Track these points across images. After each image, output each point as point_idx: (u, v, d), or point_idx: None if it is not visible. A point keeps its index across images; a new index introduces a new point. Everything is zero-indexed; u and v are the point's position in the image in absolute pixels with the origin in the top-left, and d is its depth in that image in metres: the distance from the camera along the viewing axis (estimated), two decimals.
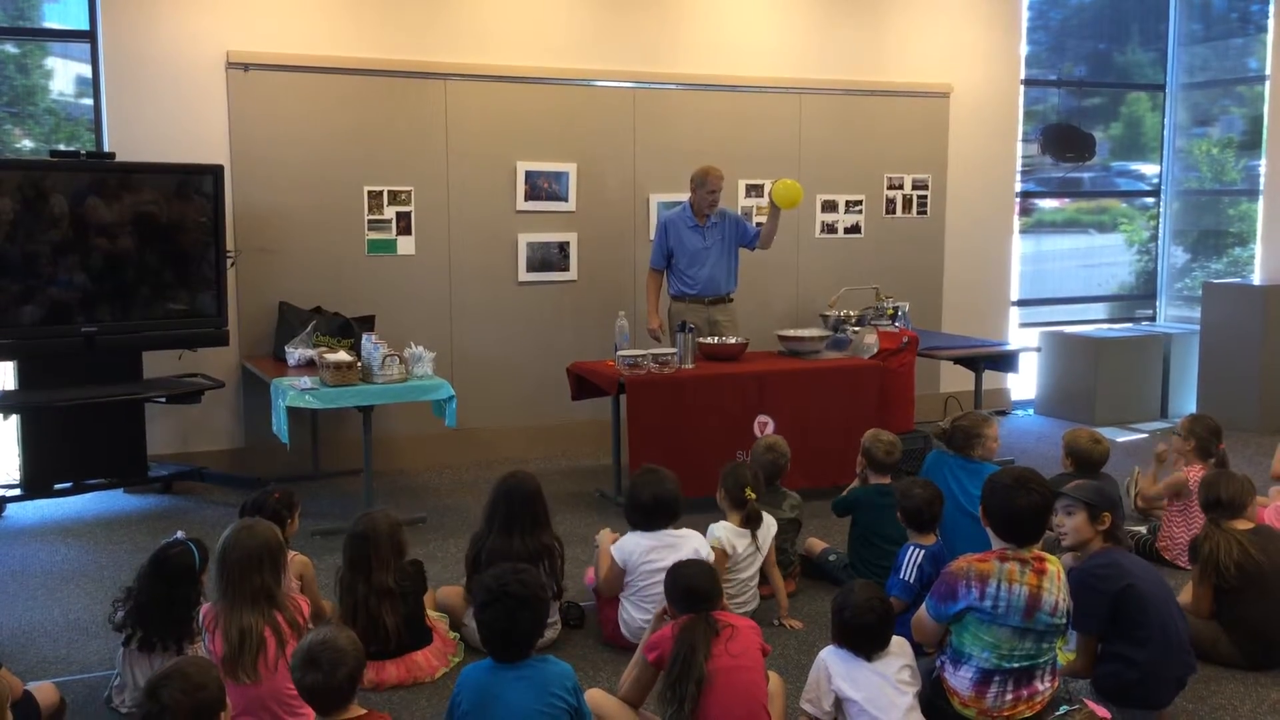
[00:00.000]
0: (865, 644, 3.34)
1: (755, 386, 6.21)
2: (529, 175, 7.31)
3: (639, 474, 4.45)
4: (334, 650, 2.88)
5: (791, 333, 6.80)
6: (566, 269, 7.50)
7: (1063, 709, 2.74)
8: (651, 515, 4.27)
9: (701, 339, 6.53)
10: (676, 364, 6.17)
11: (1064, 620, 3.38)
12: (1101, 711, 2.70)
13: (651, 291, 7.01)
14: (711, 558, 4.21)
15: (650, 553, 4.21)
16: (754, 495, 4.44)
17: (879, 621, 3.34)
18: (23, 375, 6.06)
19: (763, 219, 7.25)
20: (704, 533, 4.45)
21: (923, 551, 4.21)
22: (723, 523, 4.52)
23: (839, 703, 3.32)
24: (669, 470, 4.41)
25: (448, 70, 7.07)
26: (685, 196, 7.00)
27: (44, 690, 3.63)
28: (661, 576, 4.10)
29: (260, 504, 4.19)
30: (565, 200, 7.44)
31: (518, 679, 3.06)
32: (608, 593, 4.35)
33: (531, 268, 7.41)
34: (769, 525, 4.56)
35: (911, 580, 4.16)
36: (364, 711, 2.98)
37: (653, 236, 7.17)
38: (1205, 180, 9.78)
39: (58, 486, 6.18)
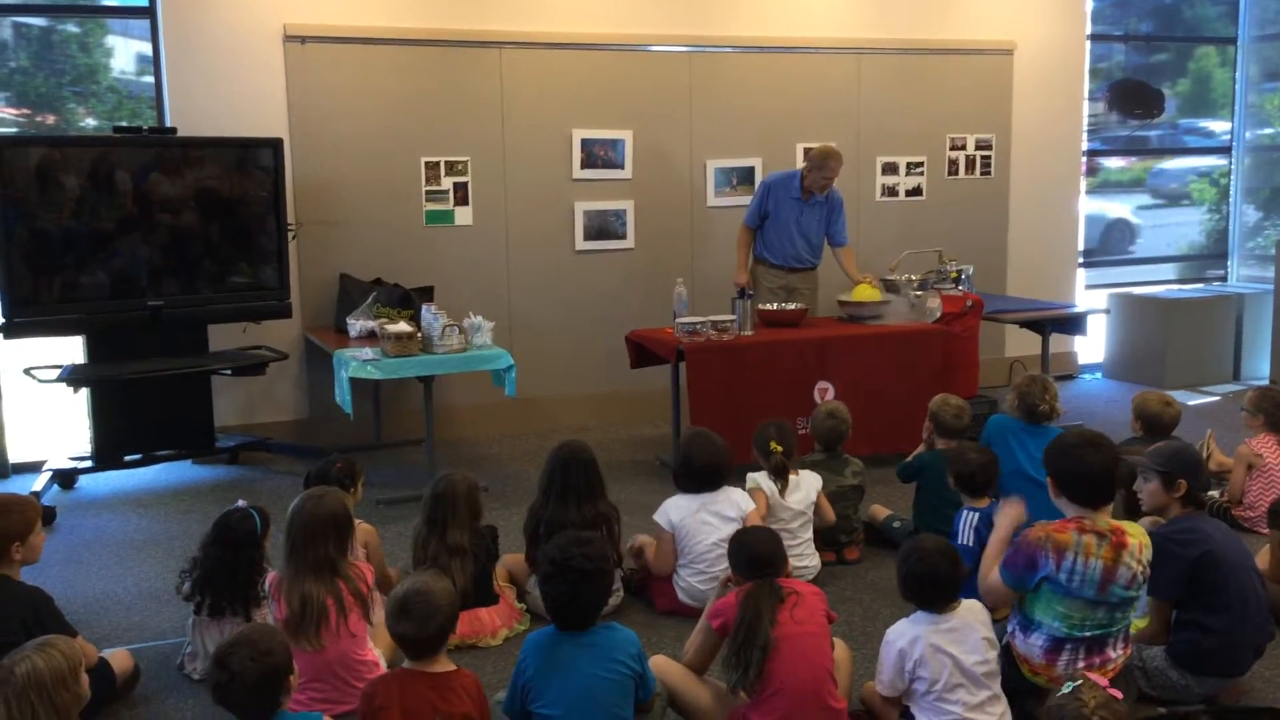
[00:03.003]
0: (935, 593, 3.26)
1: (815, 352, 6.15)
2: (585, 143, 7.27)
3: (689, 437, 4.53)
4: (428, 602, 2.97)
5: (851, 297, 6.71)
6: (624, 237, 7.46)
7: (1068, 686, 2.68)
8: (703, 480, 4.33)
9: (763, 305, 6.49)
10: (735, 330, 6.12)
11: (1138, 592, 3.30)
12: (1113, 691, 2.62)
13: (742, 247, 6.91)
14: (752, 509, 4.29)
15: (698, 513, 4.27)
16: (779, 448, 4.52)
17: (951, 567, 3.25)
18: (92, 349, 6.16)
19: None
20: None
21: (977, 514, 4.23)
22: (760, 473, 4.59)
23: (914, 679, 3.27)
24: (717, 434, 4.48)
25: (502, 39, 7.04)
26: (742, 161, 6.92)
27: (118, 657, 3.72)
28: (711, 536, 4.20)
29: (324, 474, 4.24)
30: (621, 168, 7.39)
31: (582, 647, 3.06)
32: (662, 569, 4.35)
33: (589, 236, 7.38)
34: (806, 482, 4.59)
35: (970, 544, 4.14)
36: (454, 668, 3.04)
37: (740, 199, 7.07)
38: (1278, 136, 9.49)
39: (128, 458, 6.29)
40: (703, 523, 4.25)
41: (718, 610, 3.30)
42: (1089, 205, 9.07)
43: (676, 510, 4.31)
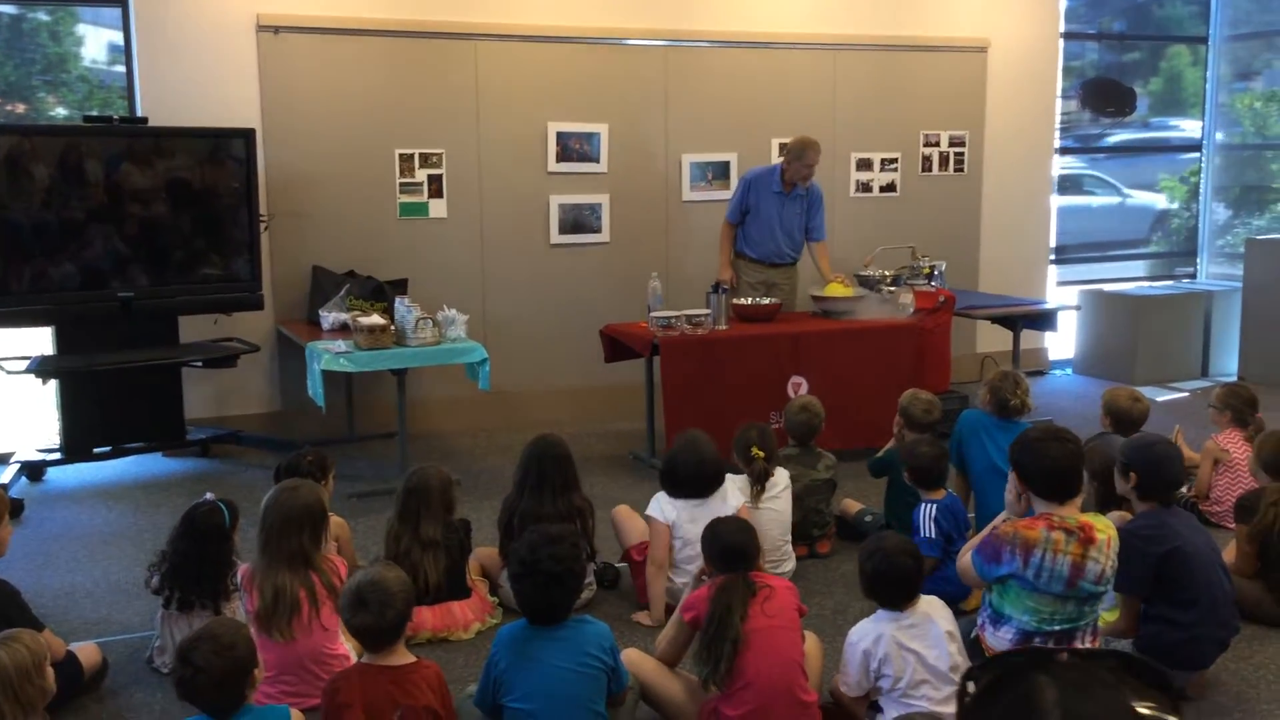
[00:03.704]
0: (898, 591, 3.30)
1: (789, 347, 6.17)
2: (560, 136, 7.26)
3: (679, 443, 4.37)
4: (383, 591, 2.95)
5: (825, 293, 6.73)
6: (599, 230, 7.46)
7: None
8: (690, 487, 4.24)
9: (738, 300, 6.50)
10: (710, 325, 6.13)
11: (1107, 587, 3.33)
12: None
13: (725, 244, 6.94)
14: (742, 505, 4.26)
15: (683, 518, 4.19)
16: (761, 454, 4.47)
17: (914, 565, 3.31)
18: (61, 340, 6.11)
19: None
20: None
21: (934, 506, 4.33)
22: (742, 477, 4.55)
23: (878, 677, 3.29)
24: (706, 436, 4.35)
25: (478, 31, 7.01)
26: (718, 155, 6.91)
27: (86, 651, 3.69)
28: (697, 544, 4.12)
29: (294, 466, 4.22)
30: (597, 161, 7.38)
31: (554, 640, 3.06)
32: (657, 559, 4.20)
33: (564, 230, 7.37)
34: (777, 482, 4.55)
35: (933, 535, 4.26)
36: (414, 660, 3.03)
37: (731, 194, 7.10)
38: (1248, 135, 9.59)
39: (97, 450, 6.24)
40: (688, 527, 4.15)
41: (690, 603, 3.31)
42: (1145, 197, 9.13)
43: (670, 506, 4.22)
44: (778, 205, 6.75)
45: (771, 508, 4.50)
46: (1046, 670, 1.32)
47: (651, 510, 4.27)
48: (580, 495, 4.35)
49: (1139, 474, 3.68)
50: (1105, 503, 4.11)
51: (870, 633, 3.28)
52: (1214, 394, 5.40)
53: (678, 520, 4.19)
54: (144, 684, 3.77)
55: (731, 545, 3.35)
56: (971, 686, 1.44)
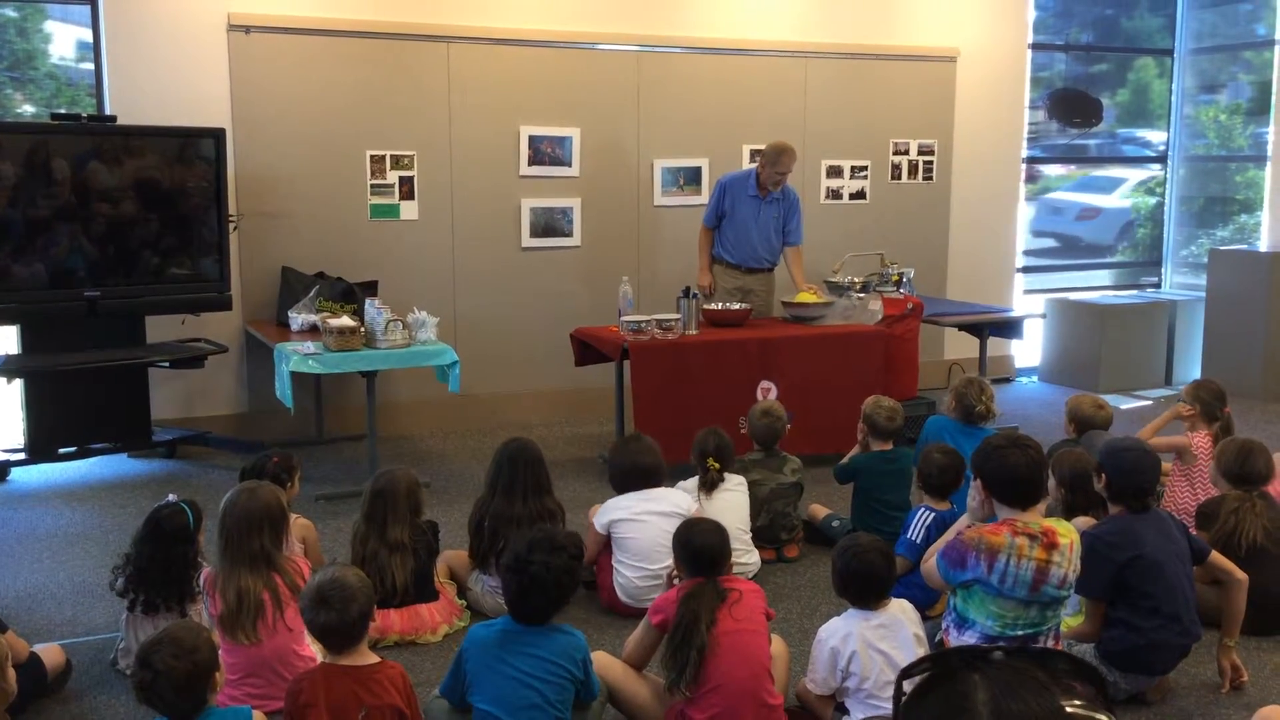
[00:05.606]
0: (869, 589, 3.32)
1: (758, 352, 6.19)
2: (532, 139, 7.26)
3: (621, 441, 4.57)
4: (343, 588, 2.94)
5: (795, 299, 6.77)
6: (570, 234, 7.46)
7: None
8: (638, 479, 4.37)
9: (709, 305, 6.53)
10: (680, 329, 6.15)
11: (1069, 592, 3.36)
12: None
13: (703, 249, 6.96)
14: (695, 508, 4.32)
15: (635, 512, 4.29)
16: (716, 465, 4.58)
17: (887, 565, 3.34)
18: (26, 340, 6.05)
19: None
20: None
21: (933, 515, 4.26)
22: (694, 479, 4.64)
23: (846, 676, 3.31)
24: (651, 438, 4.55)
25: (451, 33, 7.01)
26: (689, 161, 6.90)
27: (50, 652, 3.67)
28: (648, 534, 4.22)
29: (259, 468, 4.20)
30: (569, 165, 7.39)
31: (526, 645, 3.07)
32: (588, 559, 4.31)
33: (535, 233, 7.37)
34: (732, 487, 4.63)
35: (919, 541, 4.21)
36: (378, 660, 3.02)
37: (706, 199, 7.15)
38: (1212, 147, 9.71)
39: (62, 451, 6.18)
40: (640, 521, 4.26)
41: (658, 607, 3.32)
42: None
43: (615, 511, 4.32)
44: (754, 209, 6.78)
45: (726, 499, 4.55)
46: (979, 670, 1.34)
47: (594, 517, 4.42)
48: (552, 498, 4.36)
49: (1109, 476, 3.73)
50: (1072, 509, 4.15)
51: (840, 630, 3.31)
52: (1183, 390, 5.39)
53: (620, 519, 4.30)
54: (108, 686, 3.75)
55: (703, 549, 3.35)
56: (907, 685, 1.45)
